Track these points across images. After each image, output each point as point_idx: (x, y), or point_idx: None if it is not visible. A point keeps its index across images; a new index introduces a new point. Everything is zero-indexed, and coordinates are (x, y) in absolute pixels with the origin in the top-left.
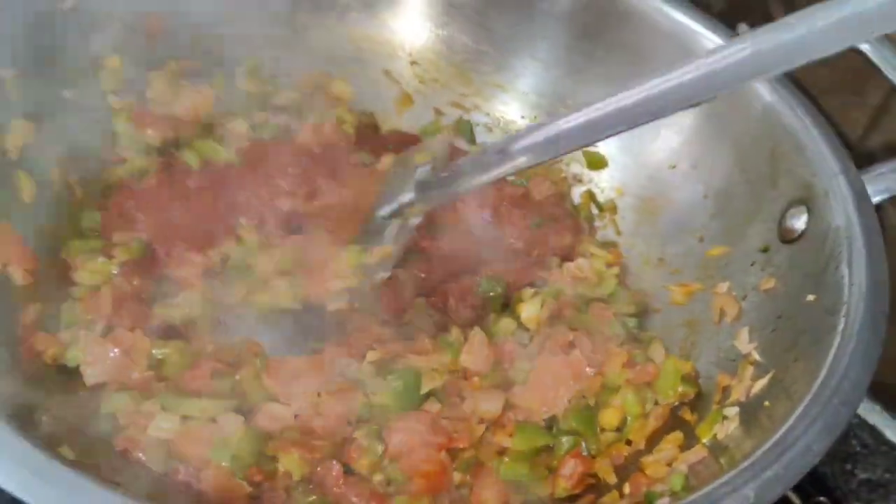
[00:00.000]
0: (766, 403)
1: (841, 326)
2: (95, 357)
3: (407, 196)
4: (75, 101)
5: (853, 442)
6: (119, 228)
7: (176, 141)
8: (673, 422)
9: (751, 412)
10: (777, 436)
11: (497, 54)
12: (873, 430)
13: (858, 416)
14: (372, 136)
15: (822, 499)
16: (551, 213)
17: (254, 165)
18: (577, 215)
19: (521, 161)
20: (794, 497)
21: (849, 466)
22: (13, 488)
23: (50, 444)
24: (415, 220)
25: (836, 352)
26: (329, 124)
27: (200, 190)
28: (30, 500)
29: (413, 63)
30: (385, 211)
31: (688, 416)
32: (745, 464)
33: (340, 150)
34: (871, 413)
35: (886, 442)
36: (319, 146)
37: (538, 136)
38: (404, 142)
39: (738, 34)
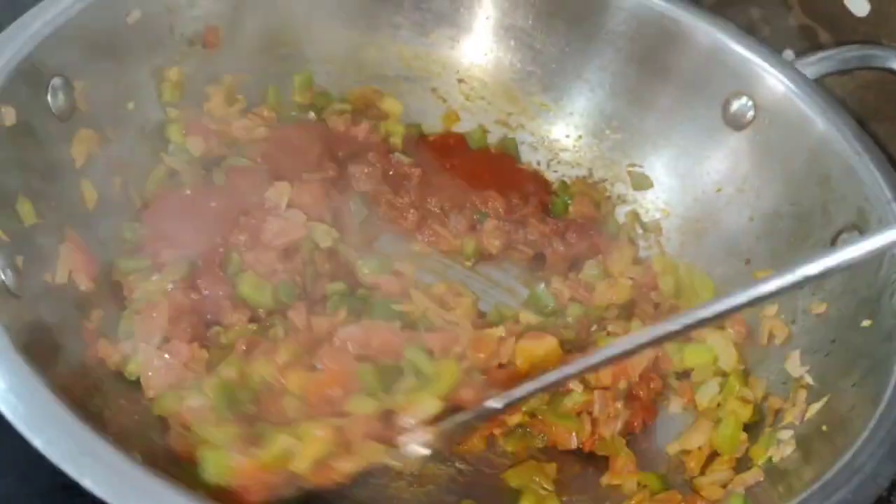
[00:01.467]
0: (825, 428)
1: None
2: (154, 371)
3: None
4: (136, 112)
5: None
6: (159, 241)
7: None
8: None
9: (807, 437)
10: (843, 461)
11: (544, 75)
12: None
13: None
14: (418, 142)
15: None
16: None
17: None
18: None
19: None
20: None
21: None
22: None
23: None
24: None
25: None
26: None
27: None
28: None
29: (460, 81)
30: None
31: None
32: (814, 487)
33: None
34: None
35: None
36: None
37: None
38: (448, 145)
39: (785, 60)
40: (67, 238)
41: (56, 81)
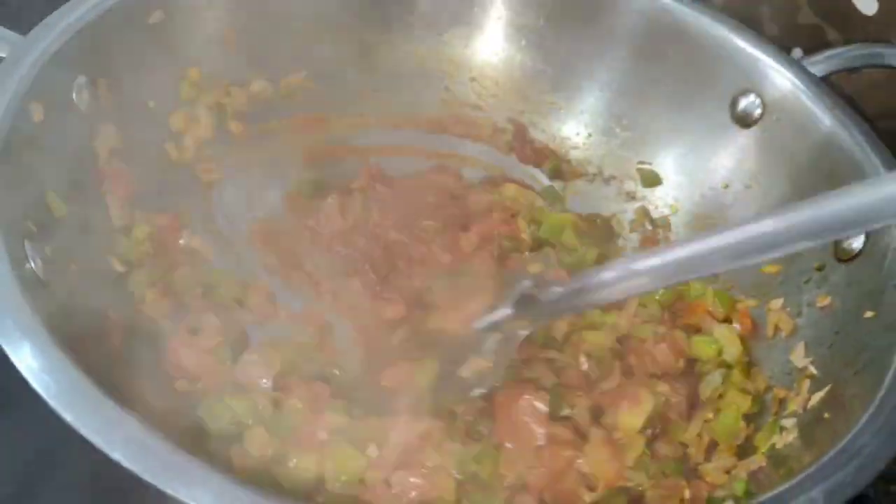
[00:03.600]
0: (826, 415)
1: None
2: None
3: (503, 312)
4: (157, 110)
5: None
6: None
7: None
8: None
9: (809, 424)
10: (841, 445)
11: (555, 73)
12: None
13: None
14: None
15: None
16: None
17: None
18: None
19: (638, 283)
20: None
21: (893, 488)
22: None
23: None
24: (521, 333)
25: None
26: None
27: None
28: None
29: (472, 80)
30: (481, 325)
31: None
32: (813, 468)
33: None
34: None
35: None
36: None
37: (658, 259)
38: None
39: (792, 58)
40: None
41: (81, 80)
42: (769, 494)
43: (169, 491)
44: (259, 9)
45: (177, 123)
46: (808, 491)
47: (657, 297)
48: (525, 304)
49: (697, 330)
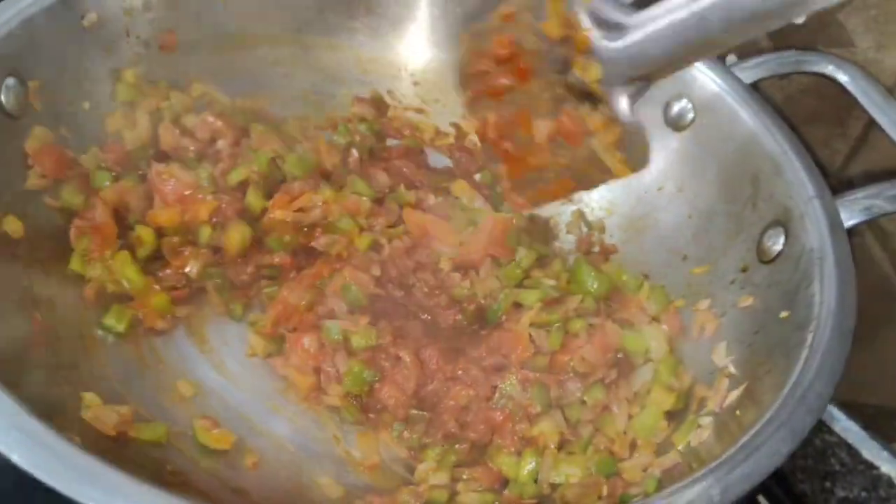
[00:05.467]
0: (738, 413)
1: (809, 341)
2: None
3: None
4: (92, 112)
5: (832, 461)
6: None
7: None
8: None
9: (723, 421)
10: (745, 439)
11: None
12: (851, 449)
13: (837, 436)
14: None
15: None
16: None
17: None
18: None
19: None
20: None
21: (828, 484)
22: None
23: None
24: None
25: (803, 364)
26: None
27: None
28: None
29: (416, 83)
30: None
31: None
32: (713, 464)
33: None
34: (849, 433)
35: (864, 461)
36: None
37: None
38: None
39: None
40: None
41: (9, 81)
42: (669, 489)
43: (68, 494)
44: (197, 11)
45: (114, 125)
46: (707, 486)
47: (592, 290)
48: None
49: (630, 325)
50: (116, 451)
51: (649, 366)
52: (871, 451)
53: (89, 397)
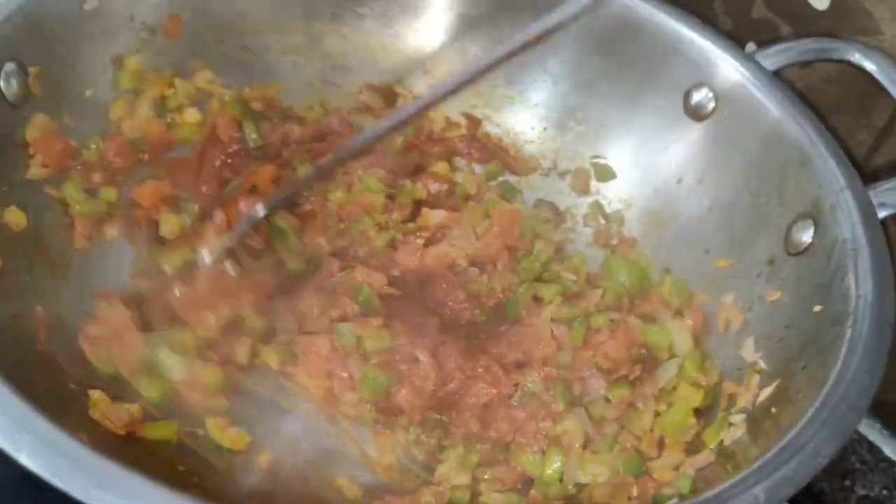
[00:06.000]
0: (773, 410)
1: (847, 336)
2: None
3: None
4: (94, 100)
5: (852, 458)
6: None
7: None
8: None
9: (757, 419)
10: (786, 440)
11: (508, 67)
12: (872, 447)
13: (858, 433)
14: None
15: None
16: None
17: None
18: None
19: None
20: None
21: (847, 482)
22: None
23: None
24: None
25: (843, 360)
26: None
27: None
28: None
29: (426, 72)
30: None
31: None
32: (755, 465)
33: None
34: (871, 430)
35: (885, 459)
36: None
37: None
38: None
39: (744, 52)
40: None
41: (9, 66)
42: (711, 492)
43: (78, 496)
44: None
45: (116, 114)
46: (750, 488)
47: (623, 283)
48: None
49: (652, 320)
50: (125, 450)
51: (674, 361)
52: (892, 449)
53: (97, 395)
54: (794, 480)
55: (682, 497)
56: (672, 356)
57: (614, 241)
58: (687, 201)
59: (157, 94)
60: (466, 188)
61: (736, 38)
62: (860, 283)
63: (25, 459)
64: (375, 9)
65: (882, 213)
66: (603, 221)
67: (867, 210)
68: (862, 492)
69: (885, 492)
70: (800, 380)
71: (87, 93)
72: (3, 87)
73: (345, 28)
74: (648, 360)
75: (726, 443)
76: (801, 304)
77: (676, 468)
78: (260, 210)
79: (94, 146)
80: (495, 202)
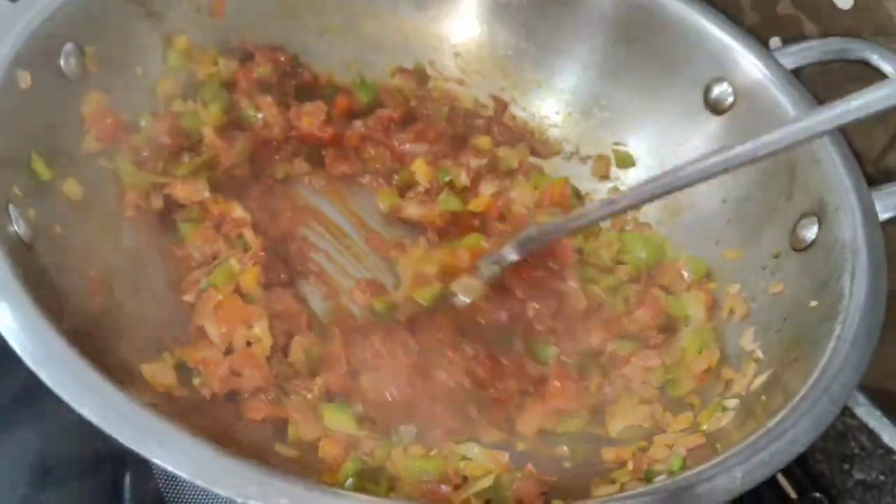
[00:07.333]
0: (764, 398)
1: (836, 333)
2: None
3: (510, 255)
4: (144, 77)
5: (852, 444)
6: None
7: None
8: (680, 406)
9: (749, 405)
10: (768, 426)
11: (537, 52)
12: (871, 434)
13: (858, 419)
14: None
15: (818, 495)
16: None
17: None
18: None
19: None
20: (791, 492)
21: (846, 466)
22: None
23: None
24: (510, 258)
25: (830, 355)
26: None
27: None
28: None
29: (456, 55)
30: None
31: (695, 401)
32: (736, 448)
33: None
34: (871, 417)
35: (883, 445)
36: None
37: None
38: None
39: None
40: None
41: (68, 47)
42: (694, 470)
43: (140, 451)
44: None
45: (164, 91)
46: (730, 469)
47: (641, 258)
48: (523, 244)
49: (669, 291)
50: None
51: (690, 328)
52: (891, 436)
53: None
54: (771, 465)
55: (670, 473)
56: (688, 325)
57: (629, 227)
58: (702, 192)
59: (204, 72)
60: (508, 162)
61: (761, 33)
62: (854, 284)
63: (87, 413)
64: None
65: (887, 214)
66: None
67: (869, 214)
68: (860, 476)
69: (881, 477)
70: (792, 371)
71: (138, 70)
72: (62, 66)
73: (380, 10)
74: (668, 329)
75: (718, 425)
76: (799, 298)
77: (670, 446)
78: (510, 253)
79: (143, 122)
80: (542, 176)
